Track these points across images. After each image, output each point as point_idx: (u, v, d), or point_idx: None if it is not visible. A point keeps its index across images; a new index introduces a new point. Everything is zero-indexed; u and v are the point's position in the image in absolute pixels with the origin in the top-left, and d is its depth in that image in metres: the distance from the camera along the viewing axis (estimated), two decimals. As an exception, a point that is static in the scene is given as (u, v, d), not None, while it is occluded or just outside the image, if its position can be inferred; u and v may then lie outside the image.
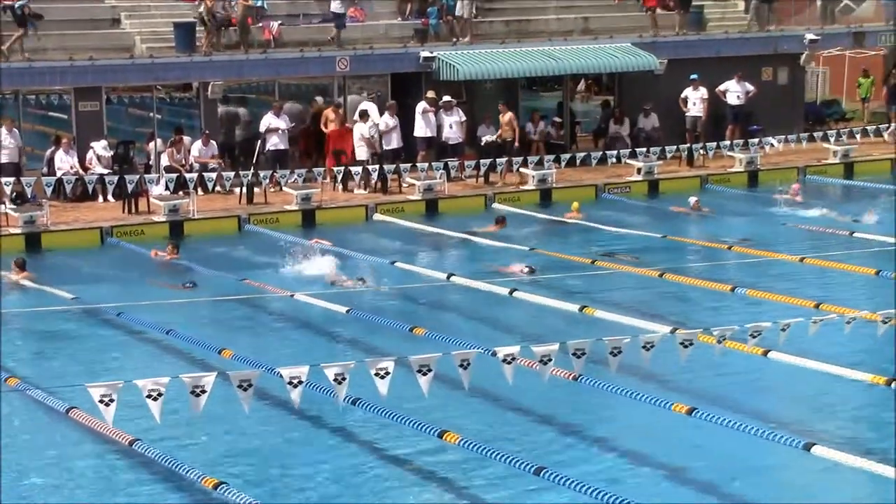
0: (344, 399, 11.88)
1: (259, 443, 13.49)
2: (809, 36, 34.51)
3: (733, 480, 12.16)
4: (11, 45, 27.55)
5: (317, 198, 26.66)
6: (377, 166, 27.61)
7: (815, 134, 31.92)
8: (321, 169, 27.92)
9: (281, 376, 11.38)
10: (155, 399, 10.86)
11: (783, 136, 30.85)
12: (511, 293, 18.47)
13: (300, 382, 11.28)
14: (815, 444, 12.04)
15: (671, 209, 26.57)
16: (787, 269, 20.22)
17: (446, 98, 29.43)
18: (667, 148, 29.92)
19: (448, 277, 19.97)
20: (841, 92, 40.95)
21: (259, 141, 28.67)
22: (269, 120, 28.26)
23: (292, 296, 18.96)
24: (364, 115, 28.55)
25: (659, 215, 26.34)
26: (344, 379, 11.38)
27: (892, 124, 34.15)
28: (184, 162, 27.51)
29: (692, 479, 12.27)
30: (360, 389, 12.49)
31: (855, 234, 22.37)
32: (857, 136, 31.78)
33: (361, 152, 28.35)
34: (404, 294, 19.39)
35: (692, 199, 26.48)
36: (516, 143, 29.33)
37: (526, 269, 20.00)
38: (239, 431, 13.62)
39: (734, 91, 32.32)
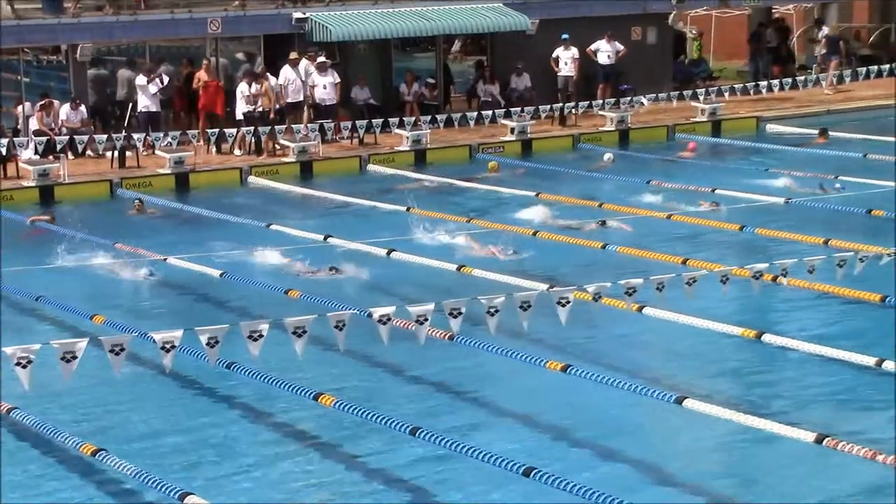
0: (217, 362, 11.83)
1: (132, 409, 13.37)
2: (678, -4, 34.89)
3: (608, 435, 12.34)
4: None
5: (190, 161, 26.39)
6: (251, 128, 27.42)
7: (686, 93, 32.30)
8: (195, 131, 27.66)
9: (153, 341, 11.28)
10: (24, 367, 10.69)
11: (653, 95, 31.21)
12: (388, 254, 18.50)
13: (173, 347, 11.19)
14: (686, 397, 12.29)
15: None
16: (655, 226, 20.48)
17: (320, 59, 29.25)
18: (540, 108, 30.10)
19: (325, 239, 19.95)
20: (708, 51, 41.54)
21: (130, 104, 28.28)
22: (140, 82, 27.84)
23: (165, 259, 18.78)
24: (251, 75, 28.26)
25: (533, 173, 26.51)
26: (217, 342, 11.32)
27: (830, 73, 34.75)
28: (53, 126, 27.03)
29: (568, 436, 12.43)
30: (234, 353, 12.47)
31: (717, 191, 22.72)
32: (727, 95, 32.26)
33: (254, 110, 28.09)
34: (281, 257, 19.28)
35: (606, 156, 27.39)
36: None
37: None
38: (112, 398, 13.49)
39: (604, 51, 32.56)
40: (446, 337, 13.65)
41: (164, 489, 10.61)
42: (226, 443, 12.52)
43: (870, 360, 13.18)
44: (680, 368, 14.36)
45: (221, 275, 17.64)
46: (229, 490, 11.35)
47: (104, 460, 11.35)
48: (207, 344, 11.30)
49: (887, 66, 34.33)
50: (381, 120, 28.48)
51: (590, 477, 11.01)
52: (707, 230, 19.89)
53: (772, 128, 31.36)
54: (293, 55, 28.95)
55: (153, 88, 27.74)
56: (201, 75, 28.69)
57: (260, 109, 27.93)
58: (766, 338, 14.10)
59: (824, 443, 11.09)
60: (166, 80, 28.21)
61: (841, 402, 13.13)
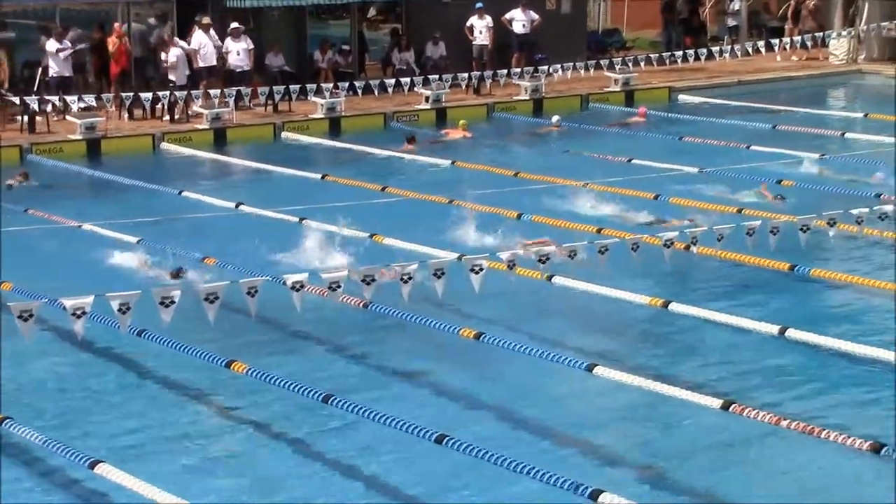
0: (129, 329, 11.78)
1: (43, 375, 13.28)
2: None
3: (521, 402, 12.45)
4: None
5: (101, 127, 26.12)
6: (167, 93, 27.21)
7: (600, 62, 32.46)
8: (109, 96, 27.38)
9: (64, 307, 11.20)
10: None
11: (570, 65, 31.34)
12: (301, 221, 18.47)
13: (83, 313, 11.13)
14: (596, 364, 12.44)
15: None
16: (571, 194, 20.62)
17: (234, 25, 29.03)
18: (457, 76, 30.11)
19: (237, 206, 19.87)
20: (622, 21, 41.78)
21: (40, 68, 27.91)
22: (50, 48, 27.48)
23: (80, 226, 18.62)
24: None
25: (449, 141, 26.56)
26: (128, 309, 11.27)
27: (791, 38, 35.10)
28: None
29: (481, 403, 12.52)
30: (146, 320, 12.42)
31: (633, 161, 22.93)
32: (642, 65, 32.48)
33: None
34: (194, 223, 19.20)
35: (554, 119, 27.86)
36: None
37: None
38: (21, 364, 13.38)
39: (519, 20, 32.61)
40: (360, 304, 13.68)
41: (73, 456, 10.55)
42: (137, 409, 12.47)
43: (773, 329, 13.42)
44: (590, 336, 14.49)
45: (138, 241, 17.53)
46: (140, 456, 11.31)
47: (10, 428, 11.24)
48: (119, 310, 11.25)
49: (798, 37, 34.77)
50: (298, 87, 28.35)
51: (502, 444, 11.11)
52: (622, 199, 20.03)
53: (684, 98, 31.65)
54: (206, 20, 28.70)
55: (64, 53, 27.39)
56: (113, 40, 28.36)
57: None
58: (673, 306, 14.29)
59: (731, 409, 11.29)
60: (79, 45, 27.86)
61: (746, 370, 13.35)
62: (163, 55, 27.93)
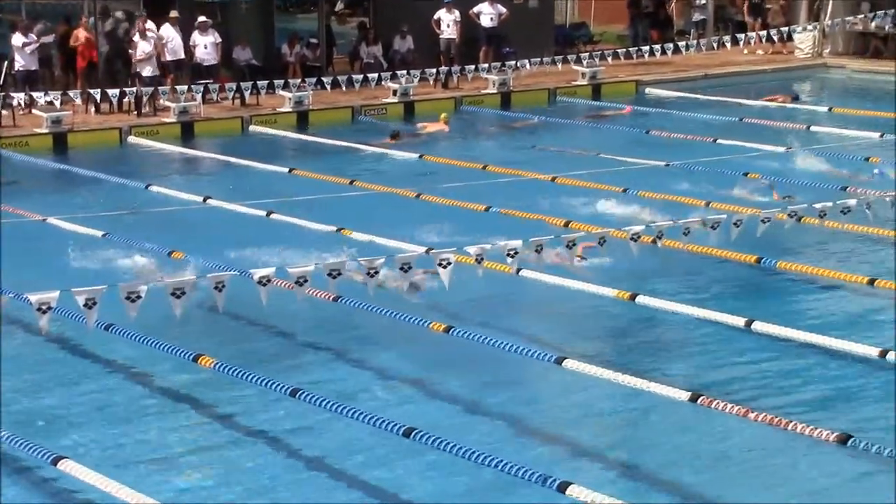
0: (95, 324, 11.72)
1: (8, 369, 13.20)
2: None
3: (490, 396, 12.46)
4: None
5: (68, 120, 25.99)
6: (134, 87, 27.09)
7: (568, 56, 32.51)
8: (77, 91, 27.24)
9: (30, 302, 11.15)
10: None
11: (537, 59, 31.37)
12: (268, 215, 18.44)
13: (49, 308, 11.06)
14: (566, 358, 12.47)
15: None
16: (540, 188, 20.64)
17: (201, 18, 28.93)
18: (426, 70, 30.09)
19: (204, 200, 19.81)
20: (589, 15, 41.86)
21: (6, 62, 27.74)
22: (16, 42, 27.32)
23: (45, 220, 18.53)
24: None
25: (416, 135, 26.55)
26: (94, 304, 11.22)
27: (752, 33, 35.16)
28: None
29: (450, 397, 12.53)
30: (112, 315, 12.36)
31: (601, 155, 22.97)
32: (609, 59, 32.54)
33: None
34: (162, 218, 19.13)
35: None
36: None
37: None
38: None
39: (487, 13, 32.61)
40: (329, 298, 13.66)
41: (36, 453, 10.50)
42: (103, 405, 12.42)
43: (740, 321, 13.50)
44: (560, 330, 14.51)
45: (104, 235, 17.46)
46: (104, 452, 11.26)
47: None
48: (85, 305, 11.20)
49: (763, 32, 34.89)
50: (266, 81, 28.27)
51: (471, 438, 11.12)
52: (590, 192, 20.05)
53: (651, 91, 31.74)
54: (173, 13, 28.58)
55: (30, 48, 27.24)
56: (79, 34, 28.22)
57: None
58: (640, 299, 14.34)
59: (699, 401, 11.34)
60: (46, 38, 27.70)
61: (713, 363, 13.40)
62: (136, 44, 27.71)
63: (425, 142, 25.66)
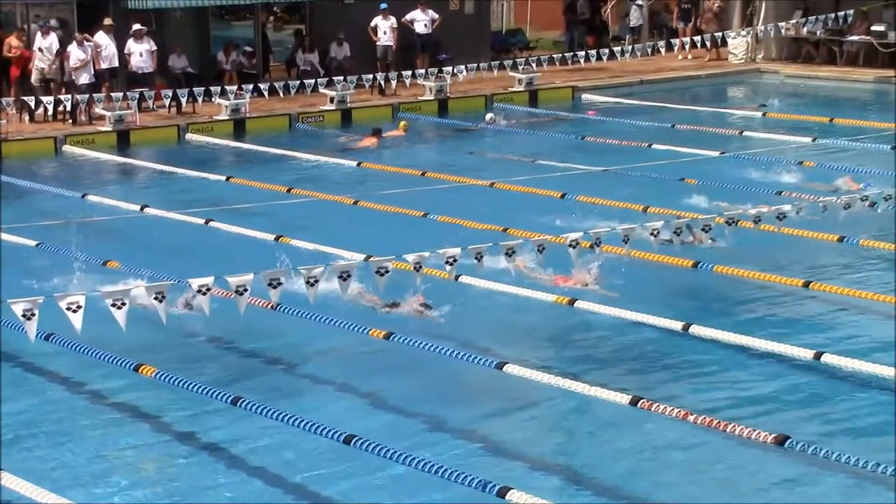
0: (36, 335, 11.64)
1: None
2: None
3: (431, 402, 12.48)
4: None
5: (2, 130, 25.76)
6: (69, 96, 26.91)
7: (504, 62, 32.64)
8: (9, 99, 27.01)
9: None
10: None
11: (474, 65, 31.46)
12: (206, 223, 18.38)
13: (-11, 320, 11.00)
14: (507, 363, 12.52)
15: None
16: (477, 195, 20.71)
17: (136, 26, 28.78)
18: (362, 77, 30.10)
19: (141, 209, 19.72)
20: (525, 21, 42.03)
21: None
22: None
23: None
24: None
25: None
26: (33, 315, 11.15)
27: (686, 38, 35.72)
28: None
29: (390, 403, 12.55)
30: (53, 325, 12.28)
31: (537, 161, 23.08)
32: (545, 65, 32.67)
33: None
34: (98, 227, 19.01)
35: (489, 116, 28.54)
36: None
37: None
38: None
39: (420, 20, 32.67)
40: (268, 306, 13.64)
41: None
42: (43, 416, 12.33)
43: (677, 325, 13.66)
44: (499, 335, 14.56)
45: (37, 245, 17.33)
46: (44, 464, 11.18)
47: None
48: (23, 316, 11.13)
49: (698, 37, 35.20)
50: (203, 89, 28.16)
51: (411, 443, 11.15)
52: (528, 198, 20.13)
53: (587, 97, 31.93)
54: (107, 21, 28.41)
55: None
56: (12, 41, 27.99)
57: None
58: (579, 304, 14.45)
59: (638, 405, 11.43)
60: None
61: (652, 367, 13.51)
62: (71, 55, 27.50)
63: (389, 147, 25.77)
